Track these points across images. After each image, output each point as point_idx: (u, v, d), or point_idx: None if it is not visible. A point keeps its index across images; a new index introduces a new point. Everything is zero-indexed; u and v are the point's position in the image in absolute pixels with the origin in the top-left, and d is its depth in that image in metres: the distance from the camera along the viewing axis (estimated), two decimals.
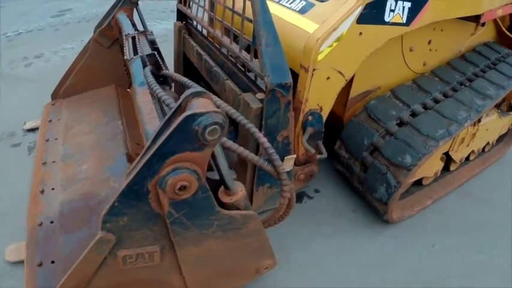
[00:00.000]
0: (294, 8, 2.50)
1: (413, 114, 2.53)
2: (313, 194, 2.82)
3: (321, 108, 2.36)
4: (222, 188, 1.48)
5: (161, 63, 2.24)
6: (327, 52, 2.09)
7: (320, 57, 2.08)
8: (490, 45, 3.44)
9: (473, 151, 3.32)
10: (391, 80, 2.83)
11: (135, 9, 3.28)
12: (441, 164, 2.93)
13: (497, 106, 3.60)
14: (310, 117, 2.27)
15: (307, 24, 2.27)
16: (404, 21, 2.38)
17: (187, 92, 1.24)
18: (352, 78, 2.56)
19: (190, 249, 1.44)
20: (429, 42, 2.93)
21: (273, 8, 2.48)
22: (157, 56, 2.33)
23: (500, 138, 3.72)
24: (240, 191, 1.46)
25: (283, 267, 2.23)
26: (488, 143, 3.50)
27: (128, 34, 2.70)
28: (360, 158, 2.47)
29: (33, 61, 5.08)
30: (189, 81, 1.69)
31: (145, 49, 2.76)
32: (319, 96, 2.25)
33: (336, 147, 2.65)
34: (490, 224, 2.82)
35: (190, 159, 1.21)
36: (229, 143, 1.51)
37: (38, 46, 5.36)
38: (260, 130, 2.16)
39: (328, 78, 2.19)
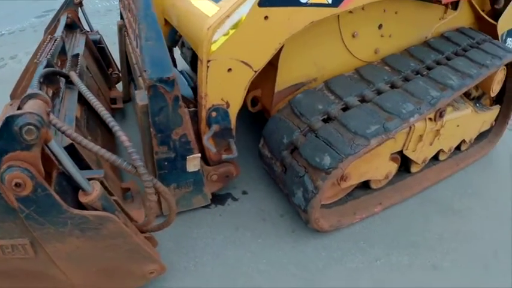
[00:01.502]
0: None
1: (346, 108, 2.17)
2: (239, 195, 2.56)
3: (227, 103, 2.07)
4: None
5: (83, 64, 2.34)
6: (222, 41, 1.86)
7: (214, 47, 1.86)
8: (462, 31, 3.02)
9: (442, 150, 2.92)
10: (331, 70, 2.47)
11: (80, 10, 3.33)
12: (393, 166, 2.56)
13: (475, 99, 3.19)
14: (213, 114, 2.05)
15: (211, 12, 2.01)
16: (330, 2, 2.06)
17: (26, 94, 1.33)
18: (276, 69, 2.26)
19: (55, 245, 1.47)
20: (380, 26, 2.57)
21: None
22: (81, 57, 2.53)
23: (484, 136, 3.29)
24: (95, 190, 1.46)
25: (191, 273, 2.04)
26: (464, 141, 3.09)
27: (52, 37, 2.68)
28: (280, 158, 2.16)
29: (7, 62, 5.03)
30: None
31: (77, 50, 2.82)
32: (222, 90, 2.02)
33: (259, 145, 2.35)
34: (451, 236, 2.43)
35: (22, 157, 1.27)
36: (85, 142, 1.49)
37: (14, 47, 5.31)
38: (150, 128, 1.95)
39: (229, 70, 1.95)
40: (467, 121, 2.94)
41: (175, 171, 2.08)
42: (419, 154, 2.69)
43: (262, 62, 2.01)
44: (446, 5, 2.92)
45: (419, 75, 2.52)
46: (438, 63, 2.66)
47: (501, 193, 2.80)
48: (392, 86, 2.41)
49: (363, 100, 2.28)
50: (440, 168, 2.95)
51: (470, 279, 2.16)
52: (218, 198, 2.46)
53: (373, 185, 2.58)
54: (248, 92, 2.19)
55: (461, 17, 3.12)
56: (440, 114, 2.55)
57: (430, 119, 2.54)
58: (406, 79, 2.48)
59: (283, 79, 2.32)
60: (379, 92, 2.34)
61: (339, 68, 2.50)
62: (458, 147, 3.12)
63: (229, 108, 2.07)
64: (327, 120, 2.19)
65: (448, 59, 2.71)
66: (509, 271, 2.24)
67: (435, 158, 2.96)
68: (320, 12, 2.05)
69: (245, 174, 2.58)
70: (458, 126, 2.86)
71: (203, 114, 2.03)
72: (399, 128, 2.11)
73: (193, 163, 2.06)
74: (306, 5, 1.98)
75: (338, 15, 2.26)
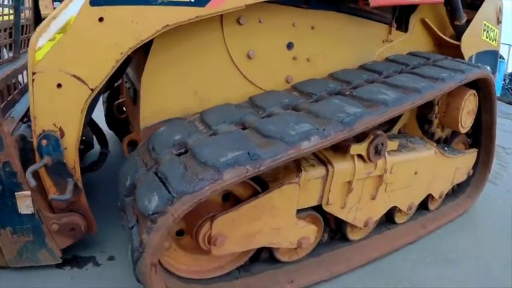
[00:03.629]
0: None
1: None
2: (104, 261, 1.93)
3: (60, 130, 1.53)
4: None
5: None
6: (48, 48, 1.42)
7: (39, 55, 1.42)
8: (415, 53, 2.38)
9: (397, 208, 2.12)
10: (220, 102, 1.82)
11: None
12: (310, 229, 1.77)
13: (441, 142, 2.43)
14: (44, 142, 1.54)
15: None
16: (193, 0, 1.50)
17: None
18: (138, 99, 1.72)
19: None
20: (289, 46, 1.95)
21: None
22: None
23: (460, 189, 2.47)
24: None
25: None
26: (431, 196, 2.28)
27: None
28: (120, 206, 1.49)
29: None
30: None
31: None
32: (52, 113, 1.53)
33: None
34: None
35: None
36: None
37: None
38: None
39: (59, 85, 1.48)
40: (431, 168, 2.17)
41: (6, 209, 1.65)
42: (355, 213, 1.91)
43: (99, 78, 1.51)
44: (390, 25, 2.32)
45: (339, 95, 1.83)
46: (372, 82, 1.98)
47: (483, 261, 2.12)
48: (295, 110, 1.72)
49: (243, 128, 1.59)
50: (398, 234, 2.13)
51: None
52: (77, 260, 1.93)
53: (279, 256, 1.78)
54: (123, 135, 1.89)
55: (416, 42, 2.49)
56: (376, 149, 1.81)
57: (360, 157, 1.80)
58: (317, 101, 1.78)
59: (151, 111, 1.73)
60: (269, 116, 1.65)
61: (233, 99, 1.85)
62: (424, 205, 2.30)
63: (63, 137, 1.55)
64: (184, 153, 1.49)
65: (387, 77, 2.02)
66: None
67: (389, 219, 2.15)
68: (178, 13, 1.49)
69: (117, 235, 2.00)
70: (416, 173, 2.09)
71: (34, 141, 1.54)
72: (280, 156, 1.39)
73: (24, 203, 1.63)
74: (156, 3, 1.44)
75: (222, 28, 1.74)
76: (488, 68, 2.31)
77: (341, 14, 2.07)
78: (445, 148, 2.38)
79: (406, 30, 2.47)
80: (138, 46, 1.48)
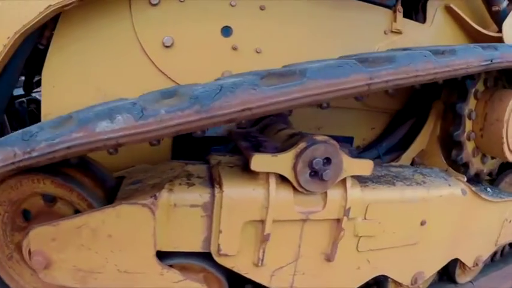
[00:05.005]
0: None
1: None
2: None
3: None
4: None
5: None
6: None
7: None
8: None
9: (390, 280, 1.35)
10: None
11: None
12: None
13: (483, 178, 1.63)
14: None
15: None
16: None
17: None
18: None
19: None
20: (225, 32, 1.45)
21: None
22: None
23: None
24: None
25: None
26: (459, 262, 1.48)
27: None
28: None
29: None
30: None
31: None
32: None
33: None
34: None
35: None
36: None
37: None
38: None
39: None
40: (456, 216, 1.39)
41: None
42: (293, 282, 1.19)
43: None
44: (393, 9, 1.65)
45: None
46: None
47: None
48: None
49: None
50: None
51: None
52: None
53: None
54: None
55: (439, 36, 1.78)
56: (314, 169, 1.11)
57: (284, 179, 1.13)
58: None
59: (51, 108, 1.39)
60: None
61: None
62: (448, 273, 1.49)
63: None
64: None
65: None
66: None
67: None
68: None
69: None
70: (424, 224, 1.33)
71: None
72: (60, 140, 0.87)
73: None
74: None
75: (130, 11, 1.38)
76: None
77: None
78: (487, 189, 1.56)
79: (424, 20, 1.76)
80: (29, 30, 1.23)
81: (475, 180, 1.61)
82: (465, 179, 1.44)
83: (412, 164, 1.61)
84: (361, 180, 1.24)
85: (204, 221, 1.11)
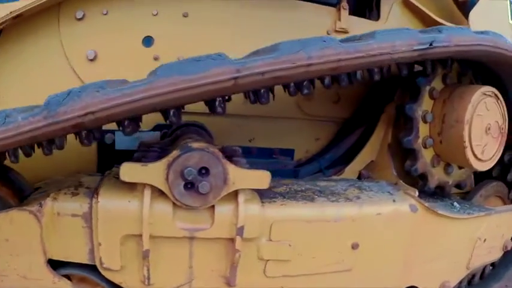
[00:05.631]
0: None
1: None
2: None
3: None
4: None
5: None
6: None
7: None
8: None
9: None
10: None
11: None
12: None
13: (448, 191, 1.38)
14: None
15: None
16: None
17: None
18: None
19: None
20: (147, 42, 1.41)
21: None
22: None
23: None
24: None
25: None
26: None
27: None
28: None
29: None
30: None
31: None
32: None
33: None
34: None
35: None
36: None
37: None
38: None
39: None
40: (405, 237, 1.16)
41: None
42: None
43: None
44: (337, 7, 1.49)
45: None
46: None
47: None
48: None
49: None
50: None
51: None
52: None
53: None
54: None
55: None
56: (188, 181, 0.96)
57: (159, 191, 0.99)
58: None
59: None
60: None
61: None
62: None
63: None
64: None
65: None
66: None
67: None
68: None
69: None
70: (356, 247, 1.10)
71: None
72: None
73: None
74: None
75: (59, 26, 1.38)
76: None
77: None
78: (454, 203, 1.31)
79: (377, 17, 1.58)
80: None
81: (439, 194, 1.36)
82: (416, 194, 1.21)
83: (359, 177, 1.38)
84: (267, 195, 1.05)
85: (86, 232, 1.03)
